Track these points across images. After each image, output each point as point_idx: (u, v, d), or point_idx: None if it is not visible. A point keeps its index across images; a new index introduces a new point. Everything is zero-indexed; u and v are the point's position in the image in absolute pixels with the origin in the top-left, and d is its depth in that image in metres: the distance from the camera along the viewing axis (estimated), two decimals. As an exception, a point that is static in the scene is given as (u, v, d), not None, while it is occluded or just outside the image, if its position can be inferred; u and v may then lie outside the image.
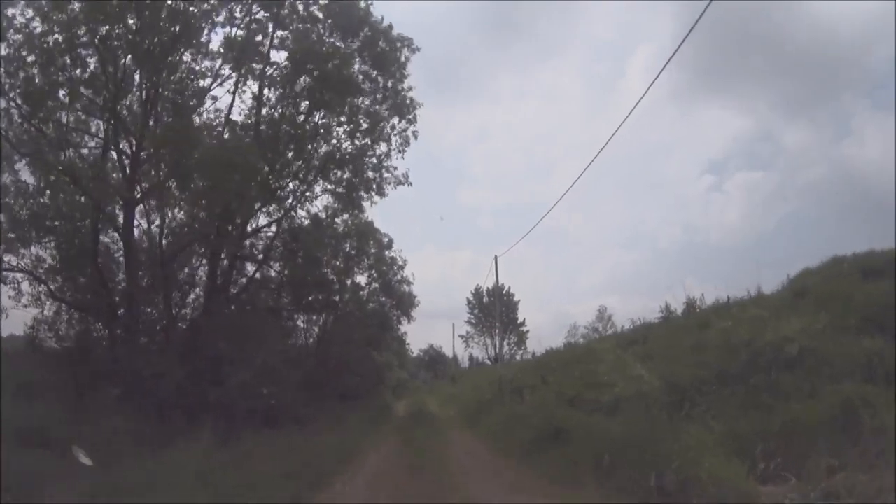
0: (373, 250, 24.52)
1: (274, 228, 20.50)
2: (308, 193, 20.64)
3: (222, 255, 18.52)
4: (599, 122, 78.25)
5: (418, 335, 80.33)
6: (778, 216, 62.02)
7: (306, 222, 21.38)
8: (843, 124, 62.82)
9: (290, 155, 19.18)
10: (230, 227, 16.67)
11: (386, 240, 25.52)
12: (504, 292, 46.13)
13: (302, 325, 24.12)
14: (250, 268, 20.70)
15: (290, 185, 20.16)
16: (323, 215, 21.69)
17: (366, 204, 20.10)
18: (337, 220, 22.74)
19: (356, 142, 19.57)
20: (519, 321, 55.65)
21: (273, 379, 14.00)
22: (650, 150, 73.91)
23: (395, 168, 19.59)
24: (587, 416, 11.79)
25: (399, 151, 19.11)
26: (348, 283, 24.23)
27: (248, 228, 18.86)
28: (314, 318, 23.20)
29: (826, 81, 58.78)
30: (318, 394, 19.58)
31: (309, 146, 19.09)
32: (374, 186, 19.13)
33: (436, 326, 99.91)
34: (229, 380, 12.55)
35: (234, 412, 12.19)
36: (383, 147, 18.96)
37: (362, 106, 18.65)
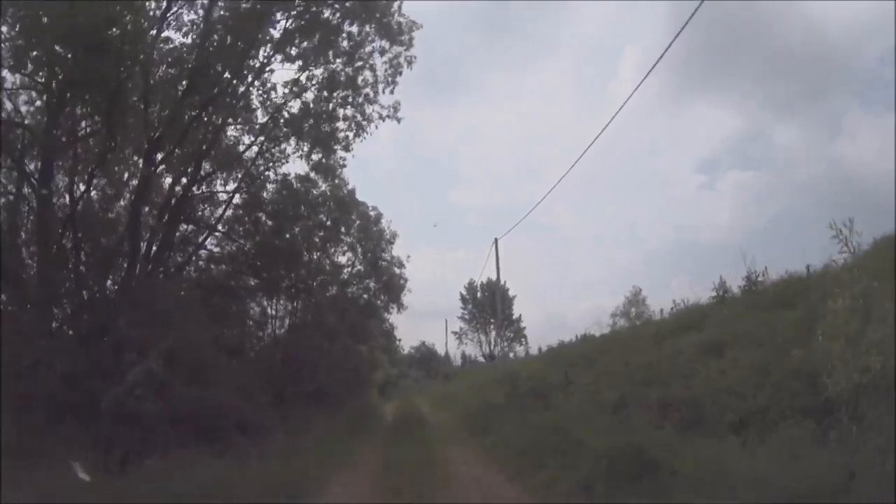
0: (356, 223, 20.63)
1: (231, 188, 16.72)
2: (275, 150, 16.97)
3: (165, 216, 14.65)
4: (597, 122, 75.66)
5: (410, 335, 76.59)
6: (770, 215, 59.78)
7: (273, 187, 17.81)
8: (835, 123, 61.72)
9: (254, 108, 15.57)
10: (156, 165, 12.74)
11: (373, 213, 21.59)
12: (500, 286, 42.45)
13: (273, 312, 20.22)
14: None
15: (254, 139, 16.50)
16: (296, 184, 18.11)
17: (340, 152, 16.10)
18: (314, 190, 19.07)
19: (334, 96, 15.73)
20: (514, 317, 52.44)
21: (205, 375, 10.09)
22: (643, 150, 72.05)
23: (376, 101, 15.38)
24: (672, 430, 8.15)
25: (387, 84, 15.03)
26: (326, 261, 20.44)
27: (198, 176, 14.90)
28: (281, 301, 19.21)
29: (817, 80, 57.67)
30: (285, 394, 15.76)
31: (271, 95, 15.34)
32: (354, 126, 15.12)
33: (428, 327, 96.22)
34: (129, 373, 8.60)
35: (142, 419, 8.27)
36: (368, 77, 14.94)
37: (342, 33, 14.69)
